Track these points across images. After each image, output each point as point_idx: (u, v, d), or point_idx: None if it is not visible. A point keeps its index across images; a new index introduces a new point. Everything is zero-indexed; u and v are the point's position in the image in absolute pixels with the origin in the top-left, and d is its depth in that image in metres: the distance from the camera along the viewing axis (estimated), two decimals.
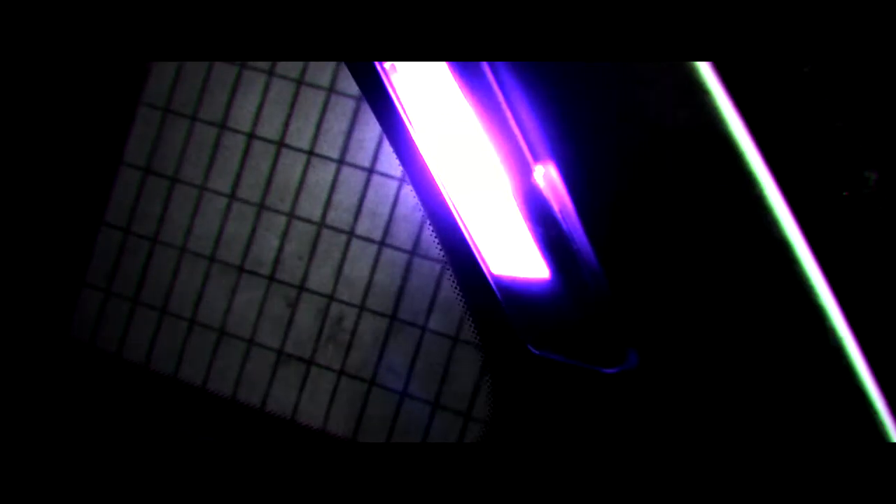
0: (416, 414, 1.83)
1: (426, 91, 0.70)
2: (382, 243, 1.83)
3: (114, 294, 1.94)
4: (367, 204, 1.83)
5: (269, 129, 1.86)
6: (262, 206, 1.86)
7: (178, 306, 1.90)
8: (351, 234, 1.84)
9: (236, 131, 1.88)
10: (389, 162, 1.83)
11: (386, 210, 1.83)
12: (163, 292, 1.91)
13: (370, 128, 1.83)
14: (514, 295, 0.79)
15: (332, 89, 1.84)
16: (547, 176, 0.61)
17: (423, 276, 1.83)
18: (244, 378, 1.87)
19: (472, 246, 0.83)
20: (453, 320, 1.82)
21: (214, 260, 1.88)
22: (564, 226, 0.62)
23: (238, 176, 1.87)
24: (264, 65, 1.87)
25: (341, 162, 1.84)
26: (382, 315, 1.84)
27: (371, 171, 1.83)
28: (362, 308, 1.84)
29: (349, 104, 1.83)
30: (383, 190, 1.83)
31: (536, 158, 0.61)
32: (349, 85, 1.84)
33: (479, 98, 0.61)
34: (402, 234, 1.83)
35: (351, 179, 1.84)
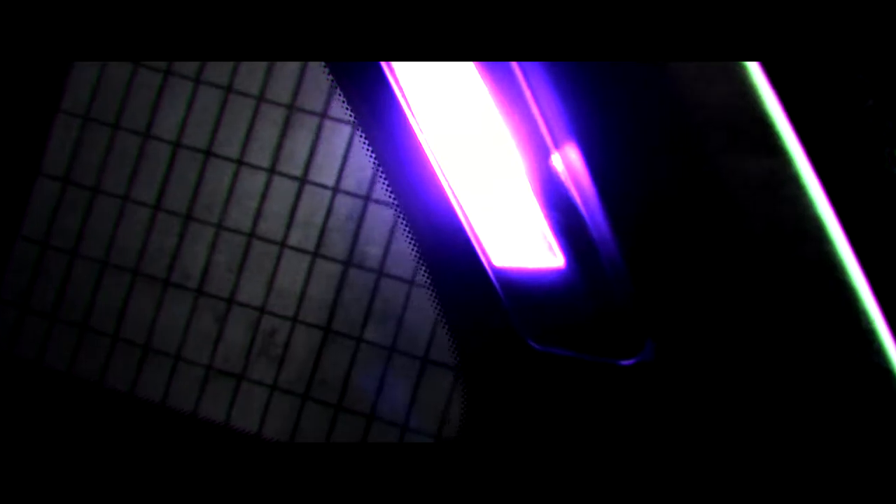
0: (351, 427, 1.80)
1: (434, 71, 0.65)
2: (316, 254, 1.80)
3: (31, 311, 1.83)
4: (300, 214, 1.80)
5: (196, 137, 1.81)
6: (188, 217, 1.80)
7: (100, 322, 1.82)
8: (283, 244, 1.79)
9: (161, 140, 1.81)
10: (322, 171, 1.80)
11: (319, 220, 1.80)
12: (83, 308, 1.82)
13: (302, 136, 1.80)
14: (520, 287, 0.74)
15: (261, 97, 1.80)
16: (566, 159, 0.57)
17: (359, 286, 1.80)
18: (171, 395, 1.79)
19: (473, 238, 0.77)
20: (389, 331, 1.80)
21: (138, 273, 1.81)
22: (584, 212, 0.58)
23: (163, 186, 1.81)
24: (190, 71, 1.81)
25: (272, 171, 1.80)
26: (317, 327, 1.80)
27: (303, 180, 1.80)
28: (295, 320, 1.79)
29: (280, 112, 1.80)
30: (316, 200, 1.80)
31: (556, 141, 0.56)
32: (279, 93, 1.80)
33: (495, 75, 0.57)
34: (337, 245, 1.80)
35: (282, 189, 1.80)
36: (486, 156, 0.66)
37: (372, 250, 1.80)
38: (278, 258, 1.79)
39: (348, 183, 1.80)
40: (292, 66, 1.80)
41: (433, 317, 1.79)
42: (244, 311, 1.79)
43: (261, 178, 1.80)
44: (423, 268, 0.89)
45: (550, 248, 0.64)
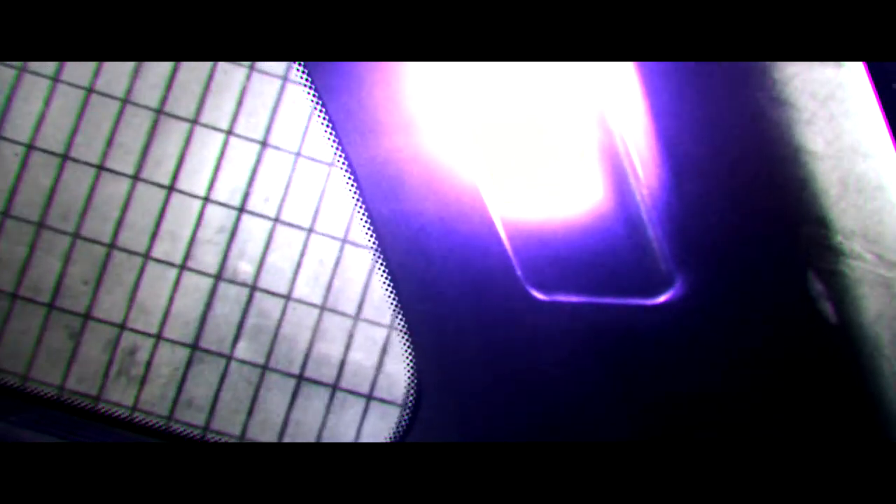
0: None
1: None
2: (183, 267, 1.70)
3: None
4: (166, 224, 1.70)
5: (52, 139, 1.68)
6: (41, 225, 1.67)
7: None
8: (146, 256, 1.69)
9: (12, 141, 1.67)
10: (192, 180, 1.71)
11: (187, 231, 1.70)
12: None
13: (171, 143, 1.70)
14: (532, 235, 0.67)
15: (127, 100, 1.69)
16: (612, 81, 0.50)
17: (230, 301, 1.72)
18: None
19: (482, 189, 0.69)
20: (262, 347, 1.72)
21: None
22: (624, 140, 0.52)
23: (13, 191, 1.67)
24: (49, 70, 1.69)
25: (136, 178, 1.69)
26: (182, 345, 1.70)
27: (171, 188, 1.70)
28: (159, 337, 1.69)
29: (146, 116, 1.70)
30: (185, 210, 1.70)
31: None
32: (147, 96, 1.70)
33: None
34: (207, 257, 1.71)
35: (147, 197, 1.69)
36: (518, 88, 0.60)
37: (245, 264, 1.72)
38: (141, 271, 1.68)
39: (220, 193, 1.72)
40: (162, 68, 1.71)
41: (310, 333, 1.73)
42: (101, 327, 1.67)
43: (124, 185, 1.69)
44: (382, 262, 0.80)
45: (582, 180, 0.59)
